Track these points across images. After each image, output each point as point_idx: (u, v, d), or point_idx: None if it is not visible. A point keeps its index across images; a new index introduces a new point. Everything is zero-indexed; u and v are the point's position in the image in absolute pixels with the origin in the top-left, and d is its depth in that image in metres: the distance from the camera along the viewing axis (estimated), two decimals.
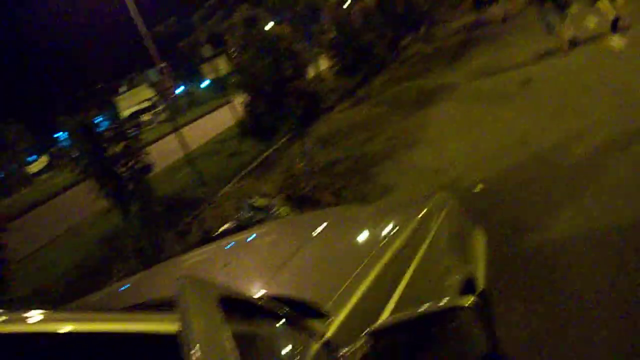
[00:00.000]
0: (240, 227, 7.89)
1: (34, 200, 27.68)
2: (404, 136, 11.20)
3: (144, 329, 1.37)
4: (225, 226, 8.46)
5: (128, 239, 8.68)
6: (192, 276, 1.35)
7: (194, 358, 1.07)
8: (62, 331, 1.26)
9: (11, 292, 5.70)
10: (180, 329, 1.16)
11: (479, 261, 3.32)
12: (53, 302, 8.35)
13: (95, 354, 1.38)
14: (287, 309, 1.87)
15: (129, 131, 8.90)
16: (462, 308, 1.83)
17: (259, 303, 1.75)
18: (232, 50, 13.14)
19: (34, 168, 49.17)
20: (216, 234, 8.38)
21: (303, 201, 8.96)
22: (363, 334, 1.81)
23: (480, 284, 3.06)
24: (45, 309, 1.32)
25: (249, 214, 8.46)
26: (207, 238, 8.43)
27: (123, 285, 4.34)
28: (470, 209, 4.92)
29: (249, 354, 1.56)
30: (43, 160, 49.77)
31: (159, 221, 8.70)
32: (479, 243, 3.52)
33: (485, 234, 3.66)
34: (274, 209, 8.33)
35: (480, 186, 7.06)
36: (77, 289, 9.78)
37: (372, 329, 1.79)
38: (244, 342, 1.48)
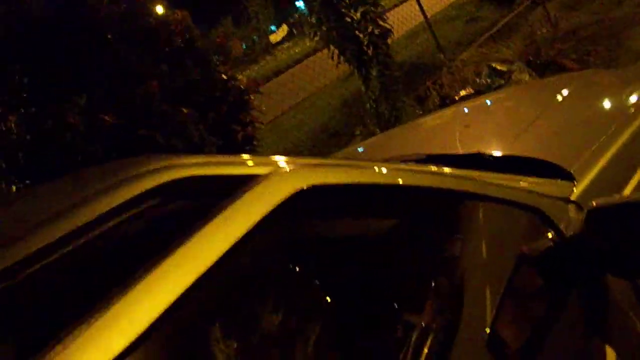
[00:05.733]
0: (479, 93, 7.79)
1: (276, 68, 28.76)
2: None
3: None
4: (464, 92, 8.40)
5: (368, 103, 8.87)
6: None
7: None
8: None
9: (259, 152, 6.08)
10: None
11: None
12: None
13: None
14: None
15: None
16: None
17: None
18: None
19: (275, 38, 50.94)
20: (455, 98, 8.35)
21: (545, 67, 8.60)
22: (585, 208, 1.66)
23: None
24: None
25: (488, 80, 8.31)
26: (446, 103, 8.44)
27: (362, 146, 4.51)
28: None
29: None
30: (283, 30, 51.30)
31: (398, 86, 8.78)
32: None
33: None
34: (514, 75, 8.10)
35: None
36: (320, 150, 10.31)
37: (594, 205, 1.62)
38: None
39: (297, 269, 1.48)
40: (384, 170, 1.54)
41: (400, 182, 1.50)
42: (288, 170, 1.27)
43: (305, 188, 1.23)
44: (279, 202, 1.17)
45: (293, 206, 1.20)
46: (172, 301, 0.94)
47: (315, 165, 1.37)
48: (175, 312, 0.94)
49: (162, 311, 0.92)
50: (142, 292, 0.93)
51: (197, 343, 1.25)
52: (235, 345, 1.30)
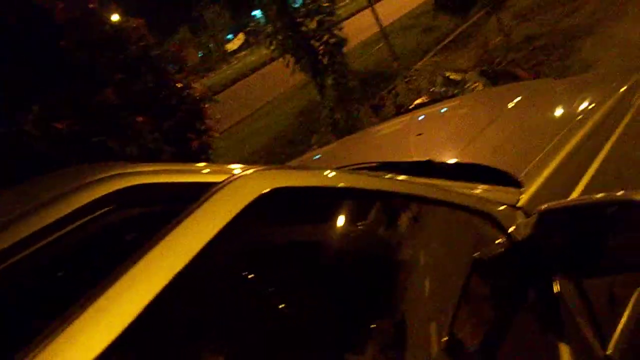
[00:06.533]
0: (434, 101, 7.87)
1: (233, 76, 28.67)
2: (609, 9, 10.39)
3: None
4: (419, 100, 8.47)
5: (324, 111, 8.92)
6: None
7: None
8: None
9: (213, 161, 6.07)
10: None
11: None
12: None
13: None
14: None
15: (324, 6, 8.94)
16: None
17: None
18: None
19: (232, 46, 50.74)
20: (410, 107, 8.42)
21: (498, 76, 8.72)
22: (533, 212, 1.72)
23: None
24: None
25: (443, 88, 8.40)
26: (401, 111, 8.51)
27: (318, 154, 4.53)
28: None
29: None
30: (240, 38, 51.13)
31: (353, 94, 8.84)
32: None
33: None
34: (468, 84, 8.20)
35: None
36: (276, 158, 10.31)
37: (543, 208, 1.68)
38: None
39: (257, 276, 1.49)
40: (340, 174, 1.56)
41: (358, 185, 1.53)
42: (250, 173, 1.27)
43: (268, 191, 1.24)
44: (245, 205, 1.18)
45: (257, 210, 1.21)
46: (143, 305, 0.93)
47: (276, 169, 1.38)
48: (142, 319, 0.93)
49: (132, 318, 0.91)
50: (112, 298, 0.93)
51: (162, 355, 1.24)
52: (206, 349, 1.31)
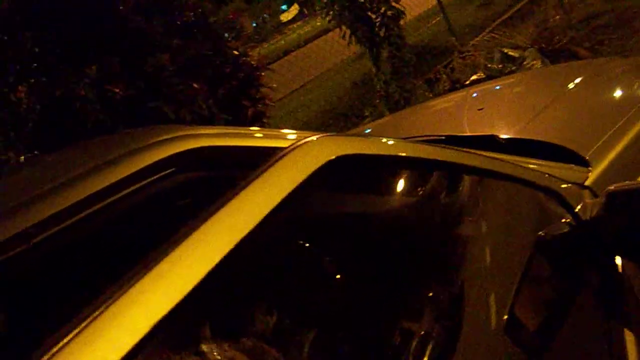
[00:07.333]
0: (490, 78, 7.74)
1: (286, 47, 28.61)
2: None
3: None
4: (475, 76, 8.34)
5: (378, 84, 8.84)
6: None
7: None
8: None
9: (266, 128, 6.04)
10: None
11: None
12: None
13: None
14: None
15: None
16: None
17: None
18: None
19: (286, 17, 50.61)
20: (465, 82, 8.30)
21: (557, 54, 8.53)
22: (602, 192, 1.66)
23: None
24: None
25: (500, 65, 8.25)
26: (456, 87, 8.39)
27: (372, 127, 4.49)
28: None
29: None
30: (294, 9, 50.94)
31: (409, 68, 8.74)
32: None
33: None
34: (526, 61, 8.04)
35: None
36: (329, 130, 10.28)
37: (612, 189, 1.62)
38: None
39: (321, 244, 1.48)
40: (405, 144, 1.52)
41: (425, 156, 1.48)
42: (316, 139, 1.23)
43: (334, 158, 1.20)
44: (311, 172, 1.15)
45: (321, 177, 1.18)
46: (205, 272, 0.92)
47: (341, 136, 1.35)
48: (203, 285, 0.91)
49: (193, 284, 0.90)
50: (173, 262, 0.91)
51: (232, 309, 1.24)
52: (264, 314, 1.30)
